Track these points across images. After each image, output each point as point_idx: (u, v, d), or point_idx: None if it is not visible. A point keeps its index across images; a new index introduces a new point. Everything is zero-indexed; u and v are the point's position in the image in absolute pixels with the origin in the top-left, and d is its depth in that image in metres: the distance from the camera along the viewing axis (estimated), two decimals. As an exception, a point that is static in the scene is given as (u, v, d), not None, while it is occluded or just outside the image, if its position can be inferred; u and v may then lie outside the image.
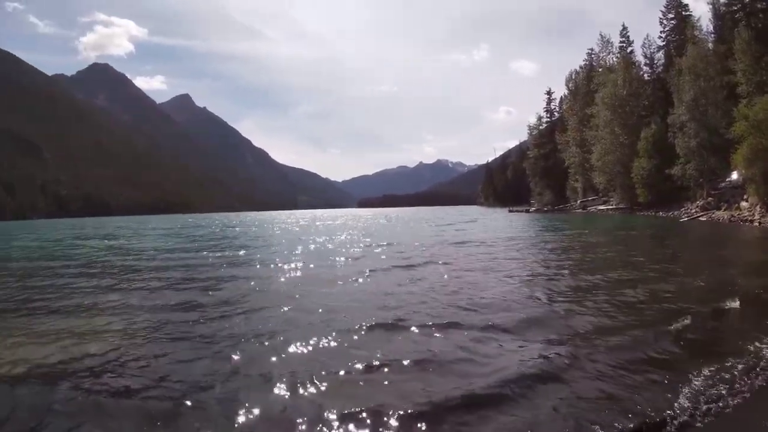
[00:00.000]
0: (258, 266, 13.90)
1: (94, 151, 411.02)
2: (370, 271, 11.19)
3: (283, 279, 10.64)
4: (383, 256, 13.24)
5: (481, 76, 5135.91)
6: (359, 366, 5.17)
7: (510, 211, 79.65)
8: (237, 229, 37.50)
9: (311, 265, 12.31)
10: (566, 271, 10.64)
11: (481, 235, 21.17)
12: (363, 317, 6.86)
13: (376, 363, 5.25)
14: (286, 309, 7.40)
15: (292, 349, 5.79)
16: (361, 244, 19.20)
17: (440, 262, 11.92)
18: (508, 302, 7.50)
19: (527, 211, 78.24)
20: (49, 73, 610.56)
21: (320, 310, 7.23)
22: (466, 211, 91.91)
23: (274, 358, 5.64)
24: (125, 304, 9.02)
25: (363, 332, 6.34)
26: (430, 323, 6.55)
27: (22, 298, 9.90)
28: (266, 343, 6.27)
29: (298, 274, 10.94)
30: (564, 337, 6.10)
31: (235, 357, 5.69)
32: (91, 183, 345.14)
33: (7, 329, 7.38)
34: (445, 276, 9.83)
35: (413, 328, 6.39)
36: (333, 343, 5.88)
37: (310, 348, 5.76)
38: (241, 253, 17.38)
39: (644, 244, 18.79)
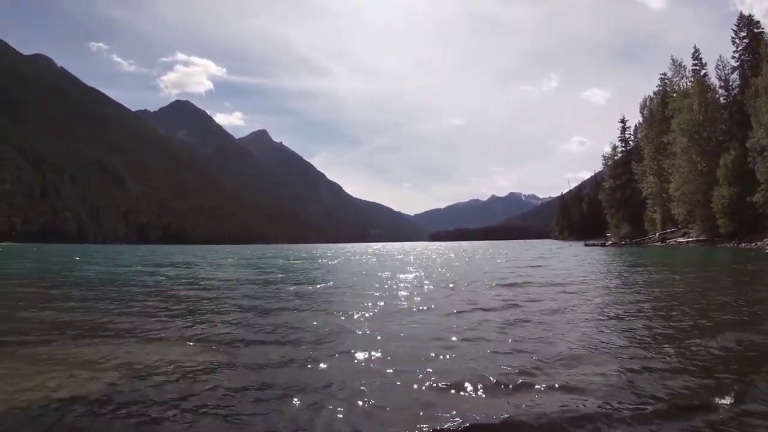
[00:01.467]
0: (334, 298, 13.29)
1: (174, 182, 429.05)
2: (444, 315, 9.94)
3: (357, 315, 9.92)
4: (456, 296, 12.27)
5: (552, 107, 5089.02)
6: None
7: (586, 245, 76.76)
8: (321, 261, 37.13)
9: (380, 303, 11.50)
10: (652, 318, 9.09)
11: (559, 273, 19.61)
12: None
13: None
14: (364, 355, 6.52)
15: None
16: (430, 281, 18.21)
17: (512, 304, 10.84)
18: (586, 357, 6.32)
19: (603, 245, 75.12)
20: (134, 109, 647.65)
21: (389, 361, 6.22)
22: (540, 245, 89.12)
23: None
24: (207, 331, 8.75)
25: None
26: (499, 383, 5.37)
27: (93, 319, 9.82)
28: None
29: (369, 313, 10.17)
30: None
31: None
32: (171, 212, 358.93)
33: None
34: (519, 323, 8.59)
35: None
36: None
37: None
38: (321, 285, 16.80)
39: (733, 282, 16.51)
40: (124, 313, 10.30)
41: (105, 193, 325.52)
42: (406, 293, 13.67)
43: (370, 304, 11.22)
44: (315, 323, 8.75)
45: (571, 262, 28.20)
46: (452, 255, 45.51)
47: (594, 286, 14.50)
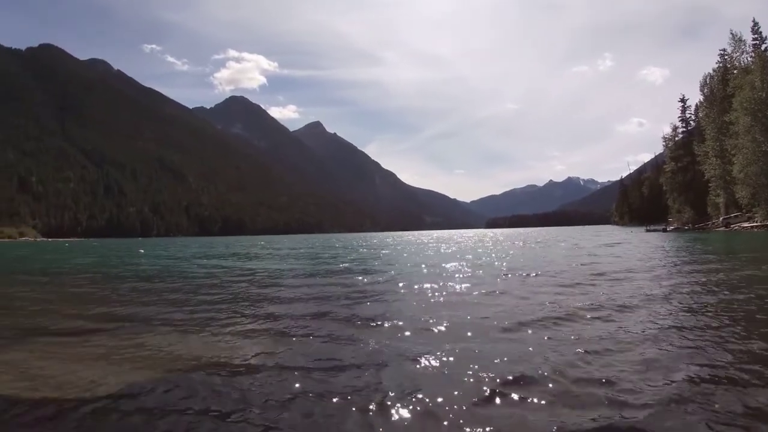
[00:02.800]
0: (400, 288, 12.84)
1: (233, 176, 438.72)
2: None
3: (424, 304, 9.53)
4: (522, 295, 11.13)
5: (608, 87, 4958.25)
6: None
7: (647, 231, 74.42)
8: (384, 251, 36.84)
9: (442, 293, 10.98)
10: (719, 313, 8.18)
11: (623, 263, 18.37)
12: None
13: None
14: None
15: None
16: (505, 268, 17.48)
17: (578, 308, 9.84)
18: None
19: (665, 230, 72.63)
20: (190, 107, 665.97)
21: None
22: (601, 231, 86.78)
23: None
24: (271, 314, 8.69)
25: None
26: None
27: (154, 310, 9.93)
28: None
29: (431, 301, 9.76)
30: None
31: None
32: (230, 205, 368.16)
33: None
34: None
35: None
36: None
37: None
38: (383, 278, 16.20)
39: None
40: (190, 304, 10.33)
41: (166, 188, 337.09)
42: (474, 281, 13.27)
43: (437, 293, 10.89)
44: (389, 315, 8.44)
45: (638, 250, 26.86)
46: (519, 243, 44.22)
47: (670, 279, 13.26)
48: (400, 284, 13.13)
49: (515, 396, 4.28)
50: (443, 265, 19.73)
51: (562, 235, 66.65)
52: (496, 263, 20.29)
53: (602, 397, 4.28)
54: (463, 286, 12.21)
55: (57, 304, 10.82)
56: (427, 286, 12.33)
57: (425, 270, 18.14)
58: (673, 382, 4.63)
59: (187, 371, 5.23)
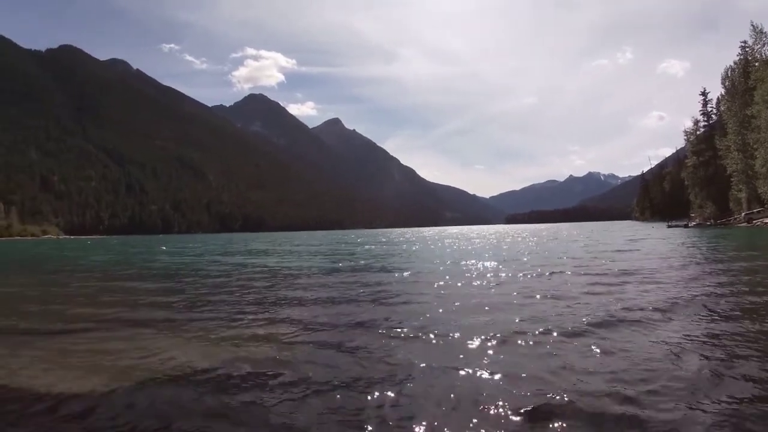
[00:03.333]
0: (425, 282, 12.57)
1: (252, 173, 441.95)
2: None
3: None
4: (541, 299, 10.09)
5: (628, 81, 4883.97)
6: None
7: (669, 226, 73.22)
8: (404, 247, 36.59)
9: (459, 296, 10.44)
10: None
11: (647, 262, 17.61)
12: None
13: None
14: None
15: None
16: (527, 266, 16.97)
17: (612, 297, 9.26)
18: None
19: (686, 226, 71.55)
20: (210, 105, 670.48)
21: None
22: (622, 227, 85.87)
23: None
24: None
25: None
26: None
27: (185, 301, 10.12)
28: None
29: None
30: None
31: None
32: (250, 202, 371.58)
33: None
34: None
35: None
36: None
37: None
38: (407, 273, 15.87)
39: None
40: (213, 301, 10.41)
41: (187, 185, 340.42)
42: (497, 278, 13.25)
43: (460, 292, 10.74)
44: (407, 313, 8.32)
45: (663, 247, 26.27)
46: (542, 239, 43.56)
47: (703, 278, 12.58)
48: (424, 282, 12.88)
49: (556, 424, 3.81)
50: (467, 262, 19.47)
51: (584, 232, 65.96)
52: (523, 260, 19.98)
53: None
54: (490, 285, 11.87)
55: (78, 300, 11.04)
56: (452, 285, 12.05)
57: (449, 267, 17.74)
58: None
59: (201, 376, 5.16)
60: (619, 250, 23.84)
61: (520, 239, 45.01)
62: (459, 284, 12.11)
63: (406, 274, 15.38)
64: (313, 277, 15.32)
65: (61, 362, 5.72)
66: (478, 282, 12.52)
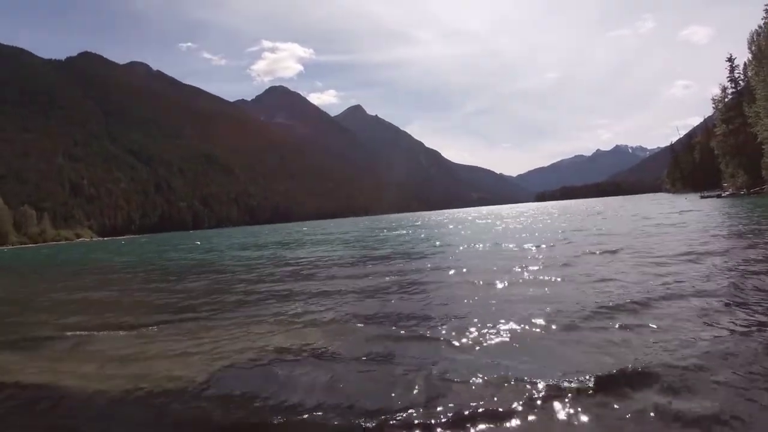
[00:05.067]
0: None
1: (278, 164, 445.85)
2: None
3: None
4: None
5: (651, 50, 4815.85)
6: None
7: (702, 197, 70.89)
8: (435, 230, 35.47)
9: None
10: None
11: (698, 236, 15.85)
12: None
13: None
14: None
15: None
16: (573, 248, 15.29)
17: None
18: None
19: (719, 197, 69.14)
20: (232, 100, 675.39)
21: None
22: (655, 199, 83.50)
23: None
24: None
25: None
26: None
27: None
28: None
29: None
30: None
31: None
32: (277, 193, 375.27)
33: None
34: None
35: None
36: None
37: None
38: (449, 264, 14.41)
39: None
40: (254, 292, 10.48)
41: (214, 181, 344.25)
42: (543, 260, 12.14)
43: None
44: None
45: (708, 218, 24.08)
46: (578, 216, 41.59)
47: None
48: (454, 272, 11.40)
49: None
50: (503, 245, 18.19)
51: (618, 206, 64.13)
52: (562, 240, 18.52)
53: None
54: (534, 269, 10.71)
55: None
56: (489, 271, 10.95)
57: (483, 250, 16.74)
58: None
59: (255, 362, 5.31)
60: (661, 224, 22.18)
61: (557, 217, 43.26)
62: (496, 269, 10.98)
63: (436, 262, 14.03)
64: (343, 269, 14.43)
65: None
66: (518, 266, 11.10)
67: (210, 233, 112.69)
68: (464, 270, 11.51)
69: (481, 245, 18.72)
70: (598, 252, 13.04)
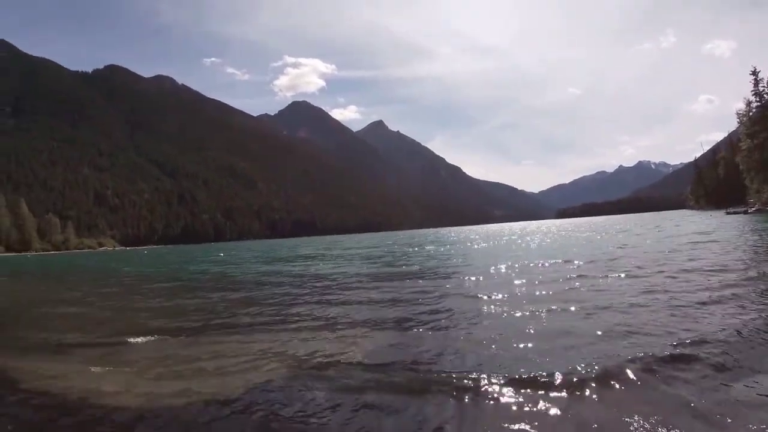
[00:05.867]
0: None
1: (300, 179, 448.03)
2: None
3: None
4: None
5: (673, 65, 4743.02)
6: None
7: (727, 213, 68.76)
8: (457, 247, 34.22)
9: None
10: None
11: (730, 256, 14.53)
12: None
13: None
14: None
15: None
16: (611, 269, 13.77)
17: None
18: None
19: (746, 213, 66.93)
20: (255, 114, 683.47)
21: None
22: (680, 217, 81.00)
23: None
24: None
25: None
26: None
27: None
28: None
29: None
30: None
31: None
32: (300, 207, 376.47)
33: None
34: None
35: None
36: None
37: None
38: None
39: None
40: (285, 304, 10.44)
41: (237, 194, 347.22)
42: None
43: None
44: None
45: (739, 238, 22.44)
46: (602, 234, 39.70)
47: None
48: (483, 295, 9.82)
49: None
50: (530, 264, 16.67)
51: (643, 224, 61.73)
52: (596, 260, 16.75)
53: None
54: (561, 291, 9.81)
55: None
56: (518, 294, 9.75)
57: (507, 271, 15.00)
58: None
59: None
60: (692, 242, 20.75)
61: (582, 235, 41.35)
62: (526, 293, 9.96)
63: (459, 282, 13.23)
64: (364, 288, 13.39)
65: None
66: (544, 290, 9.95)
67: (230, 245, 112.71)
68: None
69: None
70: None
